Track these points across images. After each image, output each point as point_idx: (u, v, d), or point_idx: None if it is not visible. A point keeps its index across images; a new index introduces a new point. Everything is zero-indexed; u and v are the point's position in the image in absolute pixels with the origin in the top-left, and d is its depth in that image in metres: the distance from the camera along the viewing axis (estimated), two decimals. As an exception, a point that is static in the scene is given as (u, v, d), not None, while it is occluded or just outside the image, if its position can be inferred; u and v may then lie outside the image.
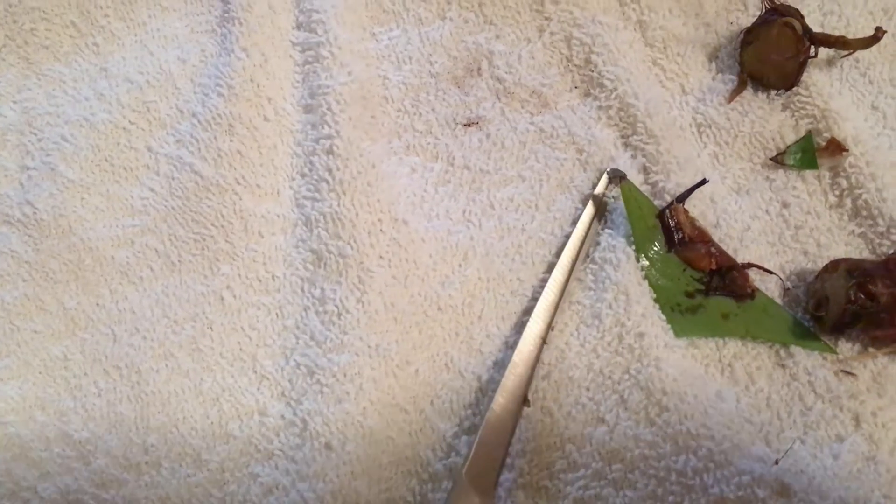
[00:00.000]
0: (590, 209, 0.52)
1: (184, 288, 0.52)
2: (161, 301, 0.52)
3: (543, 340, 0.48)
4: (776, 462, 0.44)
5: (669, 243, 0.50)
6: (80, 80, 0.59)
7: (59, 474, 0.48)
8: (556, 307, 0.49)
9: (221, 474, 0.47)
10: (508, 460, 0.46)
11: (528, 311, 0.50)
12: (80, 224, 0.54)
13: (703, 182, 0.50)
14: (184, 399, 0.49)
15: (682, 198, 0.51)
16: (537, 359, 0.47)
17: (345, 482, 0.45)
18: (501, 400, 0.46)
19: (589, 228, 0.52)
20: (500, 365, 0.48)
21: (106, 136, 0.57)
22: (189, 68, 0.59)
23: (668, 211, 0.50)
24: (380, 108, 0.56)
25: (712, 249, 0.50)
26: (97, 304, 0.52)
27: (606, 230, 0.51)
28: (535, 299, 0.50)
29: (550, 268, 0.51)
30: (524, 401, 0.46)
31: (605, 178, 0.53)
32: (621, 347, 0.47)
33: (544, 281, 0.50)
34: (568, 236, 0.52)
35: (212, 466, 0.48)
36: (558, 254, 0.51)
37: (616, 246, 0.50)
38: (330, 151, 0.53)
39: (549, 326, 0.48)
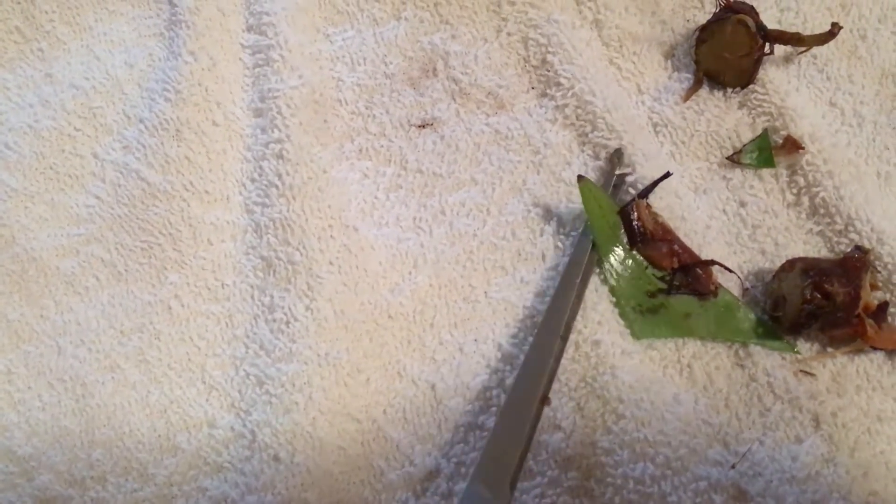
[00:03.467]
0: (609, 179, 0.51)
1: (130, 298, 0.51)
2: (107, 311, 0.51)
3: (562, 336, 0.46)
4: (733, 466, 0.43)
5: (631, 241, 0.49)
6: (25, 86, 0.58)
7: (1, 491, 0.46)
8: (577, 299, 0.47)
9: (169, 488, 0.46)
10: (463, 469, 0.45)
11: (482, 318, 0.49)
12: (24, 233, 0.53)
13: (667, 175, 0.49)
14: (130, 412, 0.48)
15: (645, 193, 0.50)
16: (558, 354, 0.45)
17: (294, 494, 0.44)
18: (515, 397, 0.43)
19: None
20: (455, 372, 0.47)
21: (50, 144, 0.55)
22: (136, 73, 0.57)
23: (629, 207, 0.49)
24: (332, 110, 0.55)
25: (675, 247, 0.49)
26: (41, 316, 0.51)
27: (569, 236, 0.50)
28: (489, 305, 0.49)
29: (503, 272, 0.50)
30: (544, 399, 0.44)
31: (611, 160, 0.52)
32: (578, 355, 0.46)
33: (497, 286, 0.50)
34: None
35: (159, 481, 0.46)
36: (511, 258, 0.51)
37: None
38: (280, 156, 0.52)
39: (568, 324, 0.46)
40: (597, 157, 0.53)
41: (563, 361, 0.46)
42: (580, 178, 0.50)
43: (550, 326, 0.46)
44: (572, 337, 0.47)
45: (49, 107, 0.56)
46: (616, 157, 0.52)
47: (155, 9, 0.60)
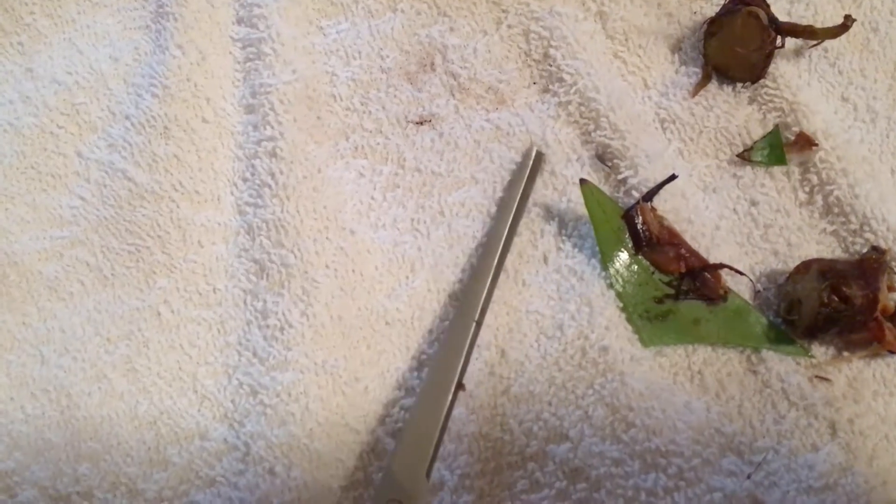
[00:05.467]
0: (524, 169, 0.50)
1: (117, 303, 0.49)
2: (93, 318, 0.49)
3: (476, 322, 0.45)
4: (748, 476, 0.42)
5: (636, 246, 0.48)
6: (4, 81, 0.55)
7: (-19, 508, 0.44)
8: (492, 283, 0.47)
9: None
10: (468, 482, 0.43)
11: (484, 323, 0.47)
12: (5, 237, 0.51)
13: (672, 178, 0.47)
14: (118, 423, 0.46)
15: (650, 196, 0.48)
16: (472, 340, 0.45)
17: (291, 509, 0.42)
18: (431, 385, 0.43)
19: (524, 188, 0.50)
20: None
21: (32, 142, 0.53)
22: (121, 67, 0.55)
23: (634, 211, 0.48)
24: (326, 107, 0.53)
25: (682, 251, 0.47)
26: (23, 323, 0.49)
27: (571, 238, 0.49)
28: (490, 310, 0.47)
29: (504, 275, 0.48)
30: (458, 385, 0.44)
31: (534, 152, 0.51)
32: (585, 361, 0.45)
33: (498, 290, 0.48)
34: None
35: (149, 496, 0.44)
36: (512, 260, 0.49)
37: (580, 254, 0.48)
38: (273, 154, 0.50)
39: (483, 308, 0.46)
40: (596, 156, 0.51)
41: (568, 369, 0.45)
42: (582, 181, 0.48)
43: (466, 312, 0.46)
44: (578, 342, 0.45)
45: (30, 103, 0.54)
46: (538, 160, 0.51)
47: (141, 0, 0.58)
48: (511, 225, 0.48)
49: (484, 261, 0.47)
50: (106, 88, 0.55)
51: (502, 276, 0.48)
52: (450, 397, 0.43)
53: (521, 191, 0.49)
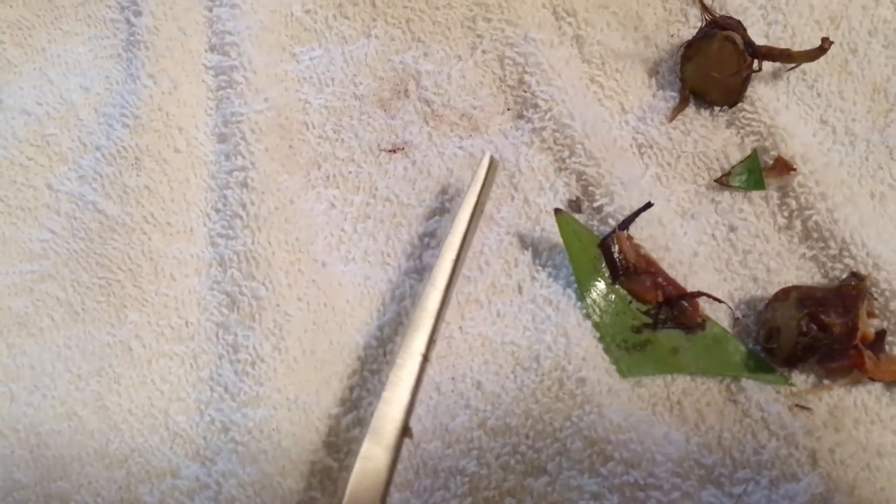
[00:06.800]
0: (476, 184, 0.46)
1: (88, 339, 0.48)
2: (63, 354, 0.48)
3: (425, 357, 0.42)
4: (729, 510, 0.41)
5: (613, 275, 0.47)
6: (-28, 113, 0.55)
7: (-51, 551, 0.43)
8: (441, 312, 0.43)
9: (130, 544, 0.43)
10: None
11: (458, 355, 0.46)
12: (-28, 272, 0.50)
13: (648, 206, 0.47)
14: (88, 462, 0.45)
15: (625, 224, 0.47)
16: (419, 380, 0.42)
17: (263, 551, 0.41)
18: (377, 431, 0.40)
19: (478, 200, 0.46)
20: (433, 413, 0.45)
21: (1, 174, 0.52)
22: (92, 97, 0.55)
23: (610, 240, 0.47)
24: (299, 135, 0.53)
25: (659, 279, 0.47)
26: (-8, 360, 0.48)
27: (546, 267, 0.48)
28: (464, 341, 0.47)
29: (478, 306, 0.48)
30: (405, 430, 0.41)
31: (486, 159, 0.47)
32: (562, 393, 0.44)
33: (472, 321, 0.47)
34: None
35: (119, 536, 0.43)
36: (485, 290, 0.48)
37: (555, 284, 0.47)
38: (244, 184, 0.50)
39: (432, 339, 0.42)
40: (569, 185, 0.51)
41: (545, 401, 0.44)
42: (557, 210, 0.47)
43: (414, 345, 0.42)
44: (555, 374, 0.44)
45: (-2, 135, 0.54)
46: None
47: (112, 29, 0.57)
48: (461, 246, 0.44)
49: (431, 286, 0.43)
50: (76, 119, 0.54)
51: (474, 307, 0.48)
52: (395, 445, 0.40)
53: (474, 204, 0.45)
